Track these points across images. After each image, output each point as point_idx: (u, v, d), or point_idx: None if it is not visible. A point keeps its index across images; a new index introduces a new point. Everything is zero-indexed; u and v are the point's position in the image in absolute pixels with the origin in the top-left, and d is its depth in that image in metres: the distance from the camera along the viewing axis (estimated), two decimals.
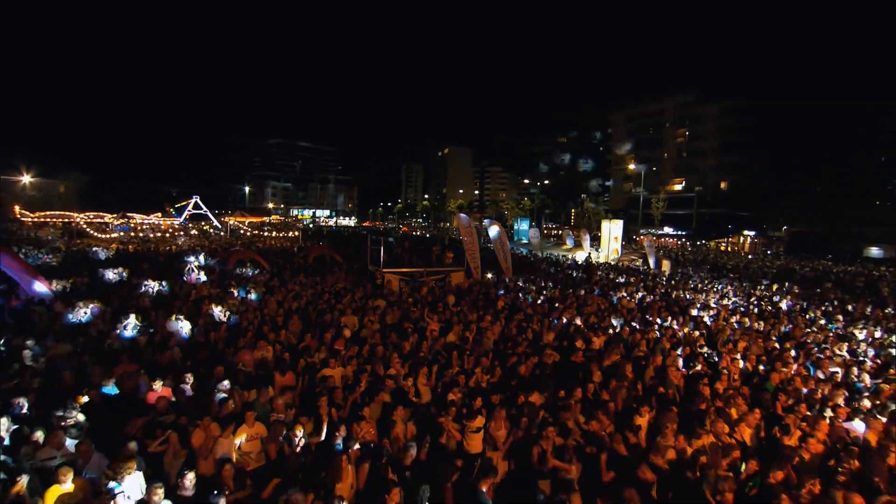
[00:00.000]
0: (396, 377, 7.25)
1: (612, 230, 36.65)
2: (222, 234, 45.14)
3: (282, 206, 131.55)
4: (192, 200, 73.80)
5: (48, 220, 59.39)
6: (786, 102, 73.99)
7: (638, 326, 11.85)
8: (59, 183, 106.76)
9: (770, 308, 16.47)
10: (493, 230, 21.14)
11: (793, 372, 8.40)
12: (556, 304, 14.71)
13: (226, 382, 6.62)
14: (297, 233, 45.07)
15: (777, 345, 10.39)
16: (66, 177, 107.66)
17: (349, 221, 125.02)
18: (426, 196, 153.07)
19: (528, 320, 12.11)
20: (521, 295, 16.34)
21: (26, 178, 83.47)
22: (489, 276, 19.60)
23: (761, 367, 8.58)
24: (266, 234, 46.94)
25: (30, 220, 59.05)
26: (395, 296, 14.58)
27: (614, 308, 14.53)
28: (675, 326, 12.11)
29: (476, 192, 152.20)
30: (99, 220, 64.73)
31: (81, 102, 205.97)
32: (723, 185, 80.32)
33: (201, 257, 16.15)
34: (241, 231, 49.49)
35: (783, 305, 17.47)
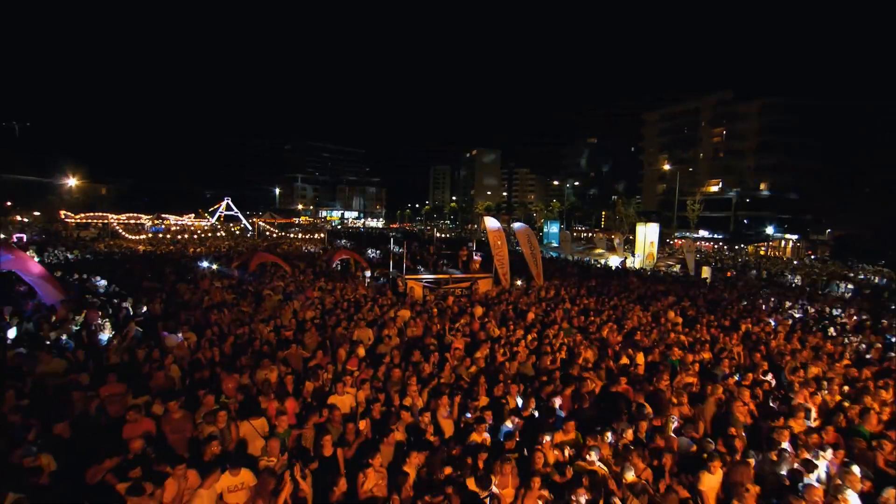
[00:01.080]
0: (413, 408, 6.30)
1: (648, 234, 34.82)
2: (249, 235, 45.25)
3: (311, 207, 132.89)
4: (224, 202, 74.96)
5: (89, 220, 61.39)
6: (831, 100, 70.16)
7: (686, 345, 10.54)
8: (102, 186, 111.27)
9: (834, 323, 14.81)
10: (523, 234, 19.99)
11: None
12: (592, 316, 13.53)
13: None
14: (323, 234, 44.78)
15: (857, 371, 8.89)
16: (109, 180, 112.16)
17: (377, 223, 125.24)
18: (454, 198, 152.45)
19: (563, 334, 11.03)
20: (553, 305, 15.19)
21: (72, 182, 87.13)
22: (518, 283, 18.48)
23: (846, 402, 7.19)
24: (292, 235, 46.86)
25: (73, 221, 61.13)
26: (418, 305, 13.69)
27: (657, 321, 13.23)
28: (730, 345, 10.72)
29: (504, 193, 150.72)
30: (135, 221, 66.57)
31: (124, 109, 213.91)
32: (762, 186, 76.73)
33: (209, 262, 15.34)
34: (267, 232, 49.61)
35: (846, 319, 15.74)
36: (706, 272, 28.57)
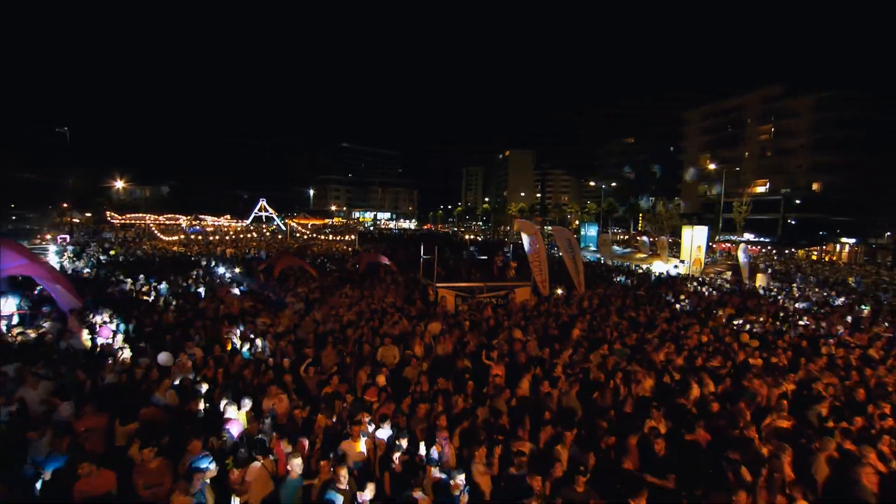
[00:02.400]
0: (443, 460, 5.12)
1: (695, 237, 32.52)
2: (280, 236, 45.18)
3: (344, 208, 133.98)
4: (260, 203, 75.99)
5: (133, 222, 63.35)
6: (891, 93, 64.94)
7: (763, 373, 8.92)
8: (146, 188, 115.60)
9: None
10: (564, 240, 18.54)
11: None
12: (643, 332, 12.03)
13: (207, 463, 4.71)
14: (353, 236, 44.23)
15: None
16: (152, 182, 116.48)
17: (409, 224, 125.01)
18: (486, 199, 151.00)
19: (614, 355, 9.65)
20: (599, 318, 13.73)
21: (119, 184, 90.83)
22: (559, 291, 17.06)
23: None
24: (323, 237, 46.53)
25: (118, 222, 63.19)
26: (450, 316, 12.51)
27: (721, 341, 11.59)
28: (818, 374, 9.02)
29: (538, 195, 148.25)
30: (173, 222, 68.18)
31: (168, 115, 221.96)
32: (815, 186, 71.91)
33: (225, 268, 14.46)
34: (297, 233, 49.50)
35: None
36: (761, 280, 26.27)
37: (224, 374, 7.41)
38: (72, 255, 26.12)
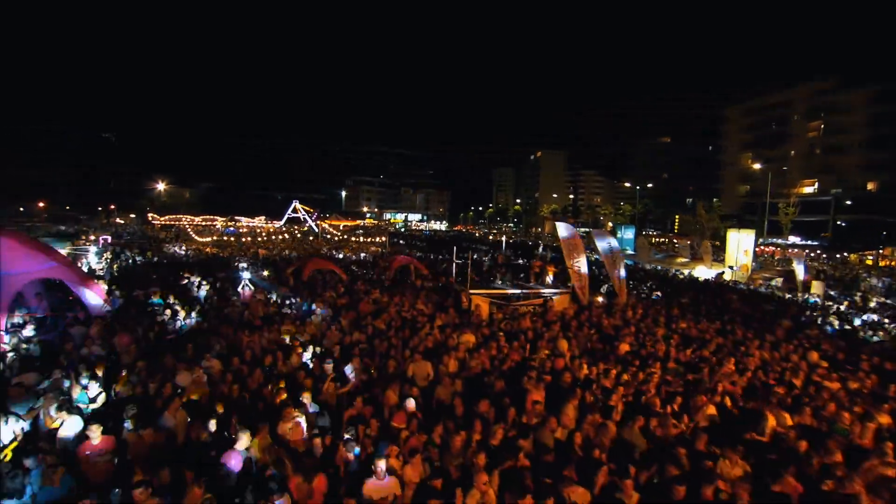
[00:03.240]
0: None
1: (742, 241, 30.62)
2: (311, 238, 45.30)
3: (375, 209, 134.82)
4: (293, 204, 76.99)
5: (172, 223, 65.23)
6: None
7: (847, 403, 7.74)
8: (186, 190, 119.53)
9: None
10: (604, 243, 17.45)
11: None
12: (696, 347, 10.93)
13: None
14: (384, 238, 43.92)
15: None
16: (192, 184, 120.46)
17: (440, 225, 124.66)
18: (518, 201, 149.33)
19: (669, 375, 8.66)
20: (646, 330, 12.65)
21: (160, 186, 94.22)
22: (599, 299, 16.01)
23: None
24: (354, 238, 46.44)
25: (158, 223, 65.19)
26: (485, 325, 11.70)
27: (787, 359, 10.37)
28: None
29: (571, 196, 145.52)
30: (209, 222, 69.81)
31: (207, 119, 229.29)
32: (870, 185, 67.46)
33: (249, 273, 14.00)
34: (328, 235, 49.59)
35: None
36: (818, 288, 24.33)
37: (241, 389, 6.82)
38: (110, 257, 26.61)
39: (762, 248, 54.22)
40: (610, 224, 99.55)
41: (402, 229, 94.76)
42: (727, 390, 7.98)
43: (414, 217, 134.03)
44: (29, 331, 10.33)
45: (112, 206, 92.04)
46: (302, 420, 5.79)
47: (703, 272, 29.65)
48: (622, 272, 17.44)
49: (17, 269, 10.16)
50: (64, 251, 24.78)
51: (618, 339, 11.56)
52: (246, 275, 13.30)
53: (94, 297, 11.71)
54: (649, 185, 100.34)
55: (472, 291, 13.47)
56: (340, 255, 30.43)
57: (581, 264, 15.95)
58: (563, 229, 16.69)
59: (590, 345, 10.78)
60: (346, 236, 51.00)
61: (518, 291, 14.14)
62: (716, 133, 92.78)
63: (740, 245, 30.51)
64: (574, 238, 16.29)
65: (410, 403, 6.10)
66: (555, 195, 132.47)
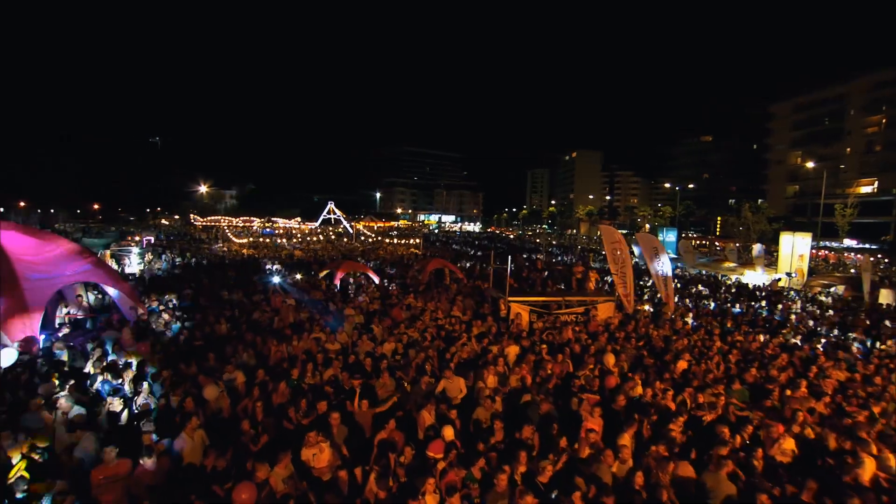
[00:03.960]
0: None
1: (797, 246, 28.54)
2: (345, 239, 45.40)
3: (409, 211, 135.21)
4: (328, 206, 77.85)
5: (213, 224, 67.03)
6: None
7: None
8: (227, 192, 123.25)
9: None
10: (650, 248, 16.39)
11: None
12: (759, 365, 9.88)
13: None
14: (418, 240, 43.54)
15: None
16: (233, 186, 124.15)
17: (474, 227, 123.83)
18: (552, 202, 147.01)
19: (734, 398, 7.72)
20: (700, 344, 11.62)
21: (202, 188, 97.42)
22: (646, 307, 15.00)
23: None
24: (388, 240, 46.27)
25: (200, 224, 67.12)
26: (524, 336, 10.96)
27: (869, 382, 9.19)
28: None
29: (607, 197, 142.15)
30: (248, 224, 71.33)
31: (247, 122, 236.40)
32: None
33: (278, 277, 13.52)
34: (363, 237, 49.61)
35: None
36: (887, 296, 22.32)
37: (264, 407, 6.35)
38: (152, 257, 27.19)
39: (815, 251, 51.07)
40: (647, 226, 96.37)
41: (436, 230, 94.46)
42: (807, 420, 7.00)
43: (448, 219, 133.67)
44: (63, 334, 10.30)
45: (158, 208, 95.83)
46: (327, 446, 5.24)
47: (754, 278, 27.85)
48: (670, 278, 16.36)
49: (55, 273, 10.14)
50: (108, 251, 25.60)
51: (668, 352, 10.65)
52: (276, 279, 12.97)
53: (128, 301, 11.64)
54: (690, 186, 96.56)
55: (510, 298, 12.72)
56: (371, 260, 30.15)
57: (626, 270, 14.99)
58: (608, 232, 15.75)
59: (643, 360, 9.88)
60: (379, 238, 50.93)
61: (559, 299, 13.29)
62: (761, 131, 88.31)
63: (795, 249, 28.47)
64: (619, 242, 15.32)
65: (449, 432, 5.45)
66: (591, 196, 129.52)
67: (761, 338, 12.68)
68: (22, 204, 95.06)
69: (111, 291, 11.48)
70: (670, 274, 16.51)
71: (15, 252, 9.80)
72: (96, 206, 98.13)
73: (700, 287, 22.42)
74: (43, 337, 10.23)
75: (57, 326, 10.73)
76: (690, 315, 14.94)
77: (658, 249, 16.23)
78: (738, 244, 44.56)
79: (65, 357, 8.34)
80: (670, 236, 42.83)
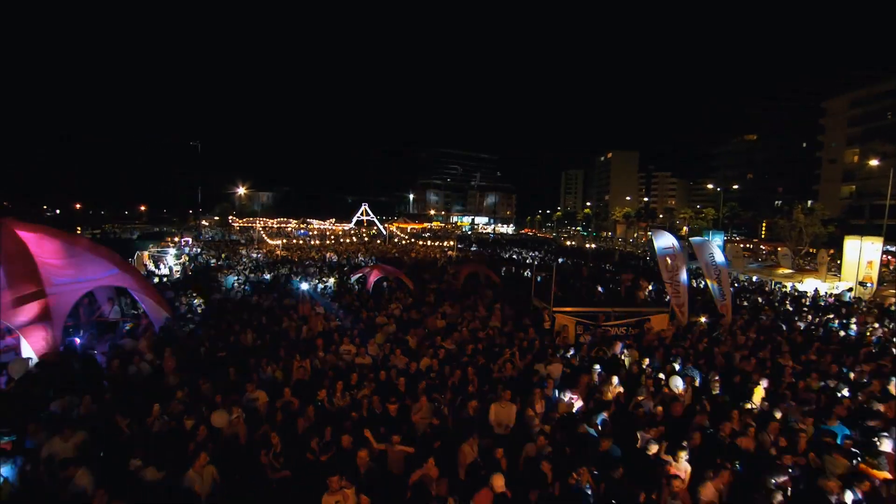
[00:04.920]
0: None
1: (865, 251, 26.12)
2: (378, 241, 45.03)
3: (442, 212, 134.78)
4: (362, 207, 78.18)
5: (249, 224, 68.25)
6: None
7: None
8: (264, 193, 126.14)
9: None
10: (705, 251, 15.03)
11: None
12: (846, 390, 8.57)
13: None
14: (452, 241, 42.70)
15: None
16: (270, 188, 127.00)
17: (507, 229, 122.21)
18: (587, 203, 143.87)
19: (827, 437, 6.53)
20: (767, 363, 10.34)
21: (241, 190, 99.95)
22: (703, 319, 13.68)
23: None
24: (421, 242, 45.64)
25: (237, 225, 68.45)
26: (572, 352, 9.95)
27: None
28: None
29: (645, 199, 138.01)
30: (283, 224, 72.25)
31: (284, 126, 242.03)
32: None
33: (304, 285, 12.75)
34: (396, 238, 49.15)
35: None
36: None
37: (287, 435, 5.63)
38: (188, 258, 27.34)
39: (885, 257, 47.49)
40: (686, 228, 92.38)
41: (469, 232, 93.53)
42: None
43: (480, 220, 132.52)
44: (88, 337, 9.95)
45: (200, 209, 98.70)
46: (352, 493, 4.44)
47: (815, 286, 25.68)
48: (727, 288, 14.96)
49: (80, 277, 9.80)
50: (147, 252, 25.82)
51: (734, 372, 9.46)
52: (304, 286, 12.32)
53: (156, 307, 11.26)
54: (735, 187, 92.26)
55: (555, 309, 11.69)
56: (405, 260, 29.47)
57: (680, 278, 13.73)
58: (660, 237, 14.51)
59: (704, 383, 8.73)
60: (412, 239, 50.42)
61: (608, 310, 12.18)
62: (813, 128, 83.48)
63: (863, 255, 26.08)
64: (672, 248, 14.07)
65: (499, 482, 4.56)
66: (627, 198, 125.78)
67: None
68: (78, 206, 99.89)
69: (138, 296, 11.12)
70: (728, 282, 15.12)
71: (41, 255, 9.50)
72: (143, 208, 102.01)
73: (756, 295, 20.64)
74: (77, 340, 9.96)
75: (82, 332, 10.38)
76: (753, 329, 13.52)
77: (715, 256, 14.87)
78: (792, 248, 41.79)
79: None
80: (717, 240, 40.57)
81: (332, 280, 17.07)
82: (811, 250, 49.82)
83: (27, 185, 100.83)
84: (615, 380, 8.28)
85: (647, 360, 9.46)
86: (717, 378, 8.78)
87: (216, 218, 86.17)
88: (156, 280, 19.11)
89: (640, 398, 7.62)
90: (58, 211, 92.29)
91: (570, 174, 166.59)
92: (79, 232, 51.71)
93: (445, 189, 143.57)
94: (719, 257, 14.98)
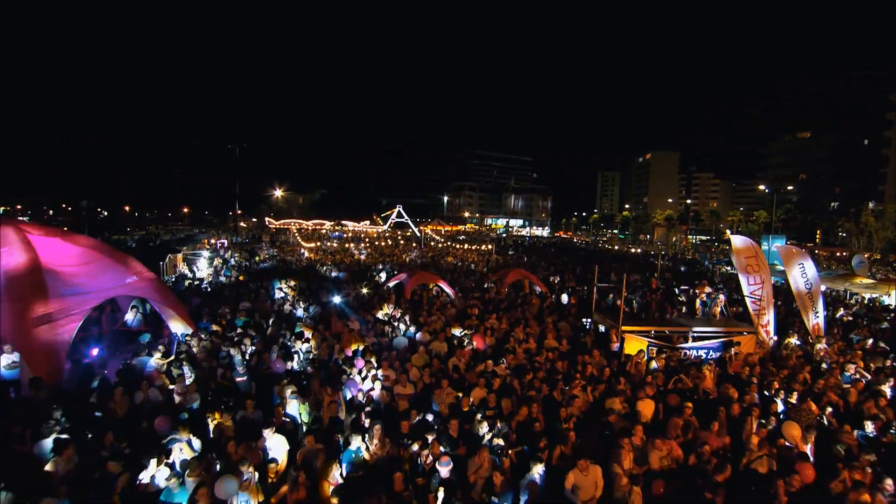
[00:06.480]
0: None
1: None
2: (414, 244, 43.88)
3: (477, 215, 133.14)
4: (396, 209, 77.62)
5: (285, 226, 68.64)
6: None
7: None
8: (300, 195, 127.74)
9: None
10: (793, 261, 13.03)
11: None
12: None
13: None
14: (490, 245, 41.10)
15: None
16: (306, 190, 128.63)
17: (543, 231, 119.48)
18: (626, 206, 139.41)
19: None
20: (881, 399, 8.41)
21: (278, 192, 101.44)
22: (793, 341, 11.71)
23: None
24: (458, 245, 44.20)
25: (273, 227, 68.97)
26: (648, 383, 8.30)
27: None
28: None
29: (688, 200, 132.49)
30: (319, 227, 72.29)
31: (319, 129, 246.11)
32: None
33: (336, 298, 11.27)
34: (433, 242, 47.88)
35: None
36: None
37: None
38: (221, 261, 26.77)
39: None
40: (728, 232, 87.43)
41: (503, 234, 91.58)
42: None
43: (515, 222, 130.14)
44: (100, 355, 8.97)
45: (239, 211, 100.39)
46: None
47: None
48: (820, 307, 12.88)
49: (93, 287, 8.83)
50: (180, 255, 25.36)
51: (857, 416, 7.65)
52: (336, 298, 11.02)
53: (179, 321, 10.27)
54: (790, 188, 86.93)
55: (624, 329, 10.02)
56: (442, 264, 28.12)
57: (766, 292, 11.82)
58: (739, 241, 12.62)
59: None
60: (448, 242, 49.12)
61: (685, 329, 10.43)
62: (877, 123, 77.62)
63: None
64: (756, 257, 12.18)
65: None
66: (669, 200, 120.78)
67: None
68: (127, 208, 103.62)
69: (157, 307, 10.15)
70: (820, 296, 13.06)
71: (53, 263, 8.60)
72: (186, 210, 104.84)
73: (842, 312, 18.16)
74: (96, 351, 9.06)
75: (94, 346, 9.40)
76: (855, 355, 11.44)
77: (806, 267, 12.85)
78: (866, 255, 38.25)
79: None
80: (777, 244, 37.41)
81: (364, 290, 15.79)
82: (877, 256, 45.81)
83: (62, 186, 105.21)
84: (716, 426, 6.64)
85: (750, 397, 7.73)
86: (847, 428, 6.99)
87: (254, 220, 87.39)
88: (187, 283, 18.45)
89: (757, 455, 5.96)
90: (105, 213, 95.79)
91: (607, 176, 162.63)
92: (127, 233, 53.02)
93: (480, 191, 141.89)
94: (810, 267, 12.96)
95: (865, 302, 22.43)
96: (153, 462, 4.72)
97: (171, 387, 7.17)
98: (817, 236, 78.30)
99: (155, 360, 7.91)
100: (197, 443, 5.28)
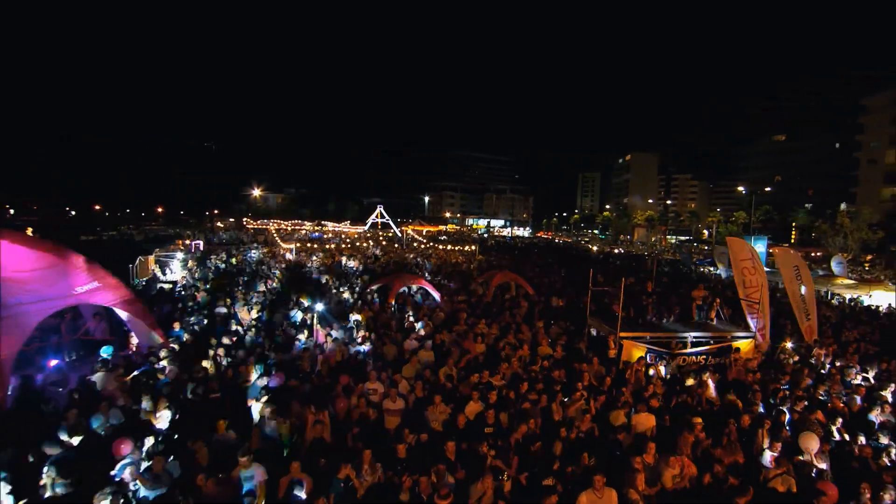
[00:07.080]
0: None
1: None
2: (396, 245, 43.12)
3: (458, 215, 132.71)
4: (377, 209, 76.65)
5: (263, 227, 67.08)
6: None
7: None
8: (279, 195, 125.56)
9: None
10: (789, 264, 12.85)
11: None
12: None
13: None
14: (473, 246, 40.57)
15: None
16: (284, 190, 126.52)
17: (524, 231, 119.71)
18: (606, 206, 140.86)
19: None
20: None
21: (256, 192, 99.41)
22: (789, 345, 11.47)
23: None
24: (441, 246, 43.58)
25: (251, 227, 67.32)
26: (651, 394, 7.86)
27: None
28: None
29: (668, 202, 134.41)
30: (298, 227, 70.87)
31: (297, 127, 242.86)
32: None
33: (318, 306, 10.36)
34: (416, 243, 47.17)
35: None
36: None
37: None
38: (195, 263, 25.63)
39: None
40: (706, 232, 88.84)
41: (485, 235, 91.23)
42: None
43: (497, 223, 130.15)
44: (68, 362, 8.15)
45: (216, 211, 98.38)
46: None
47: (885, 299, 23.12)
48: (812, 305, 12.74)
49: (48, 294, 7.98)
50: (152, 256, 24.18)
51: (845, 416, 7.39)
52: (319, 307, 10.28)
53: (147, 330, 9.48)
54: (767, 189, 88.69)
55: (622, 335, 9.59)
56: (423, 263, 27.48)
57: (762, 296, 11.57)
58: (738, 245, 12.37)
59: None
60: (430, 243, 48.47)
61: (684, 334, 10.06)
62: (849, 127, 79.81)
63: None
64: (752, 259, 11.92)
65: None
66: (650, 200, 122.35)
67: None
68: (97, 207, 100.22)
69: (123, 315, 9.34)
70: (814, 298, 12.92)
71: (4, 268, 7.75)
72: (160, 209, 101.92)
73: (828, 314, 18.13)
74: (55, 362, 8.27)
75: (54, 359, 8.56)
76: (851, 359, 11.27)
77: (800, 268, 12.68)
78: (845, 255, 38.93)
79: None
80: (759, 247, 37.83)
81: (346, 294, 15.08)
82: (849, 257, 46.76)
83: (37, 186, 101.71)
84: (725, 440, 6.22)
85: (757, 407, 7.36)
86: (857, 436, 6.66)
87: (231, 220, 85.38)
88: (158, 287, 17.45)
89: (775, 473, 5.55)
90: (73, 212, 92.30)
91: (587, 176, 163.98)
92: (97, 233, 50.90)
93: (461, 191, 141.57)
94: (805, 270, 12.80)
95: (847, 302, 22.57)
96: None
97: (136, 406, 6.44)
98: (792, 236, 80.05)
99: (117, 376, 7.13)
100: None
